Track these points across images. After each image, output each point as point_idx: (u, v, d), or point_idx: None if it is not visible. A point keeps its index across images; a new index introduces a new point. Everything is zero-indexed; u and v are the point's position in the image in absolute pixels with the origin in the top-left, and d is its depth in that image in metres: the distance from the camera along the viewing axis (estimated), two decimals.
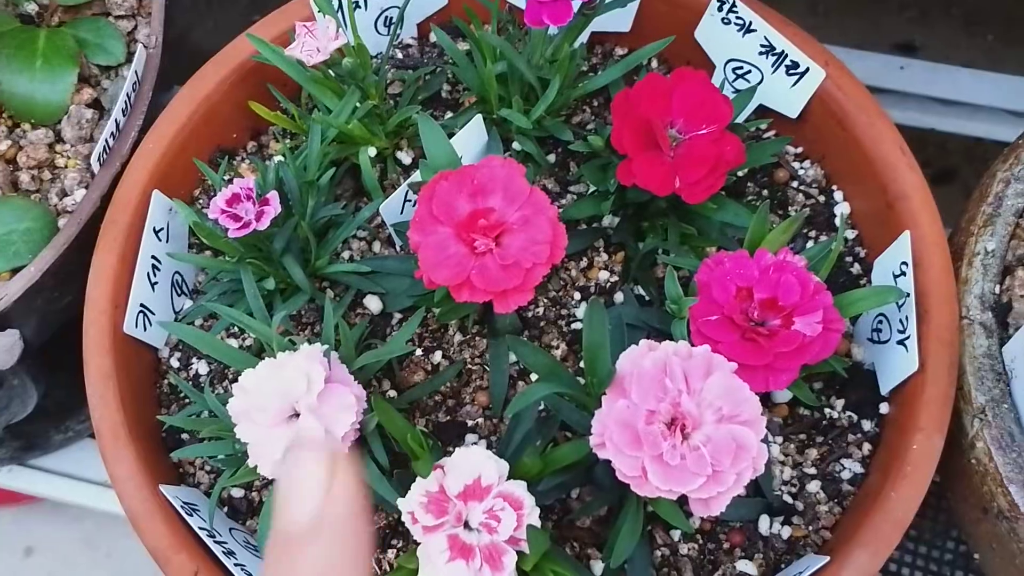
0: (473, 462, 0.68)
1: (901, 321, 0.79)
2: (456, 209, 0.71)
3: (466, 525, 0.67)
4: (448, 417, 0.83)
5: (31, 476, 1.17)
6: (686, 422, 0.65)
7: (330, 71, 0.83)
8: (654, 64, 0.98)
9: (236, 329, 0.87)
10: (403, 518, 0.67)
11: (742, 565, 0.77)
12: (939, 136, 1.32)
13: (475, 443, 0.82)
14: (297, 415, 0.71)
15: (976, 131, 1.26)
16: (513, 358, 0.85)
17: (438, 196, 0.71)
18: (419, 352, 0.85)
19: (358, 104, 0.84)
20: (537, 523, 0.67)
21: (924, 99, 1.26)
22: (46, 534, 1.60)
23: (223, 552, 0.73)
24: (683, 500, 0.67)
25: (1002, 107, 1.23)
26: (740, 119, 0.90)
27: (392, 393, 0.84)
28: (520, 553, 0.67)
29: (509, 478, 0.69)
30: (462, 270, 0.70)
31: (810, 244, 0.89)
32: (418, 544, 0.67)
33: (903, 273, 0.79)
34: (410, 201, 0.83)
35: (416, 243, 0.71)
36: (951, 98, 1.25)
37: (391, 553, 0.78)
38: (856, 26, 1.61)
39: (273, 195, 0.77)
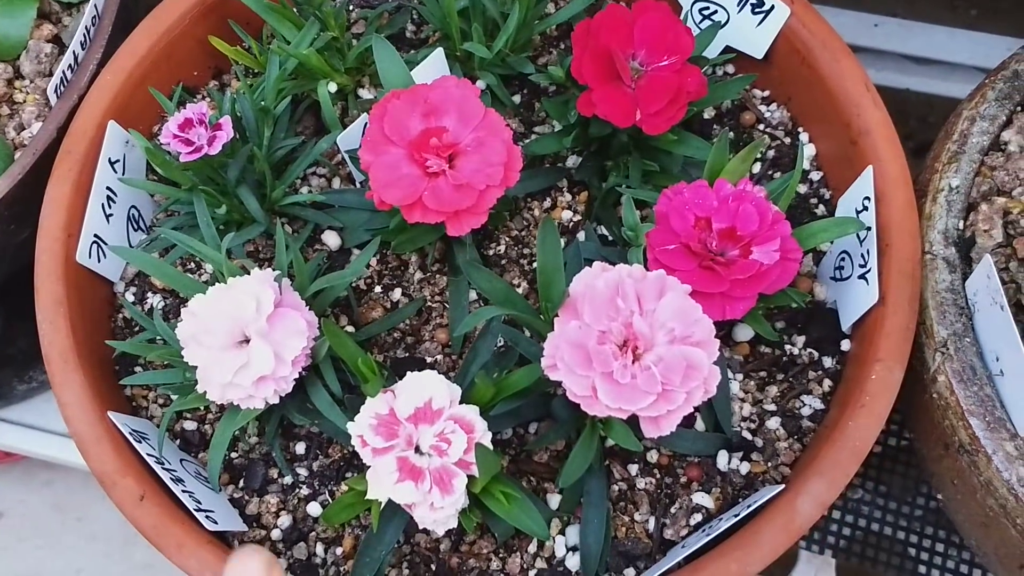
0: (424, 385, 0.67)
1: (863, 256, 0.78)
2: (408, 128, 0.70)
3: (416, 449, 0.66)
4: (407, 354, 0.82)
5: None
6: (638, 343, 0.64)
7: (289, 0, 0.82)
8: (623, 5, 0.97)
9: (192, 265, 0.86)
10: (352, 441, 0.66)
11: (699, 498, 0.76)
12: (920, 109, 1.31)
13: None
14: (247, 340, 0.70)
15: (952, 91, 1.25)
16: (473, 296, 0.84)
17: (390, 115, 0.70)
18: (378, 289, 0.84)
19: (317, 35, 0.83)
20: (489, 445, 0.66)
21: (899, 58, 1.25)
22: (16, 498, 1.58)
23: (171, 479, 0.71)
24: (636, 426, 0.67)
25: (978, 65, 1.22)
26: (707, 64, 0.90)
27: (350, 329, 0.82)
28: (471, 477, 0.66)
29: (462, 403, 0.68)
30: (414, 190, 0.69)
31: None
32: (368, 468, 0.66)
33: (865, 208, 0.79)
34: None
35: (367, 163, 0.70)
36: (927, 56, 1.24)
37: (344, 487, 0.77)
38: (837, 1, 1.61)
39: (226, 120, 0.76)
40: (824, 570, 1.02)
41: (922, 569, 1.01)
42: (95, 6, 0.90)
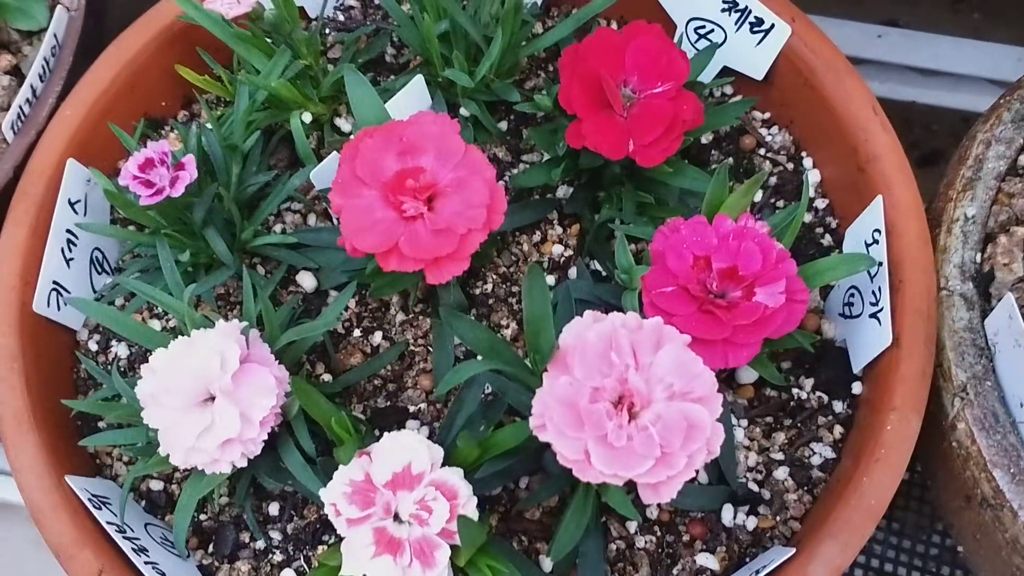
0: (403, 447, 0.62)
1: (874, 293, 0.72)
2: (383, 169, 0.64)
3: (395, 517, 0.61)
4: (388, 402, 0.77)
5: None
6: (634, 400, 0.58)
7: (256, 27, 0.77)
8: (614, 26, 0.92)
9: (160, 310, 0.81)
10: (326, 510, 0.61)
11: (703, 559, 0.70)
12: (925, 117, 1.27)
13: (416, 430, 0.76)
14: (212, 398, 0.65)
15: (958, 103, 1.20)
16: (458, 339, 0.78)
17: (363, 155, 0.64)
18: (357, 332, 0.79)
19: (290, 63, 0.78)
20: (473, 514, 0.61)
21: (904, 69, 1.20)
22: None
23: (133, 549, 0.66)
24: (634, 487, 0.61)
25: (985, 76, 1.17)
26: (705, 88, 0.85)
27: (327, 377, 0.77)
28: (455, 547, 0.61)
29: (445, 465, 0.63)
30: (390, 236, 0.64)
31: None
32: (343, 539, 0.61)
33: (876, 241, 0.73)
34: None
35: (338, 206, 0.65)
36: (932, 67, 1.18)
37: (321, 549, 0.72)
38: (839, 5, 1.56)
39: (189, 159, 0.70)
40: None
41: None
42: (55, 35, 0.85)
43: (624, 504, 0.62)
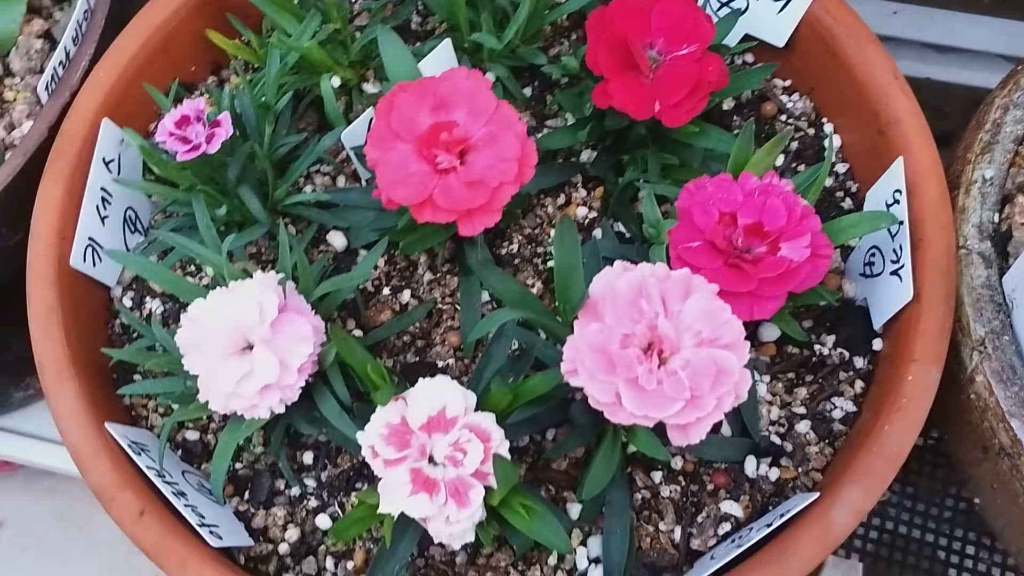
0: (437, 392, 0.63)
1: (895, 251, 0.74)
2: (417, 123, 0.66)
3: (430, 460, 0.63)
4: (417, 358, 0.79)
5: None
6: (663, 346, 0.60)
7: None
8: None
9: (193, 268, 0.82)
10: (363, 452, 0.62)
11: (727, 506, 0.72)
12: (937, 100, 1.28)
13: None
14: (251, 347, 0.67)
15: (974, 80, 1.21)
16: (486, 297, 0.80)
17: (397, 109, 0.66)
18: (386, 291, 0.81)
19: (319, 27, 0.80)
20: (506, 454, 0.62)
21: (919, 46, 1.22)
22: (17, 507, 1.55)
23: (173, 493, 0.68)
24: (662, 432, 0.63)
25: (1001, 53, 1.18)
26: (728, 52, 0.86)
27: (358, 333, 0.79)
28: (488, 488, 0.63)
29: (477, 412, 0.65)
30: (424, 188, 0.66)
31: None
32: (379, 480, 0.63)
33: (896, 201, 0.75)
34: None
35: (374, 160, 0.66)
36: (947, 44, 1.20)
37: (354, 496, 0.74)
38: None
39: (224, 116, 0.72)
40: (851, 574, 0.99)
41: (952, 573, 0.97)
42: (87, 0, 0.86)
43: (653, 446, 0.63)
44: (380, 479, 0.62)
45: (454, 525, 0.62)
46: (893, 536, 1.01)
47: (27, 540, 1.54)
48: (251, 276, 0.68)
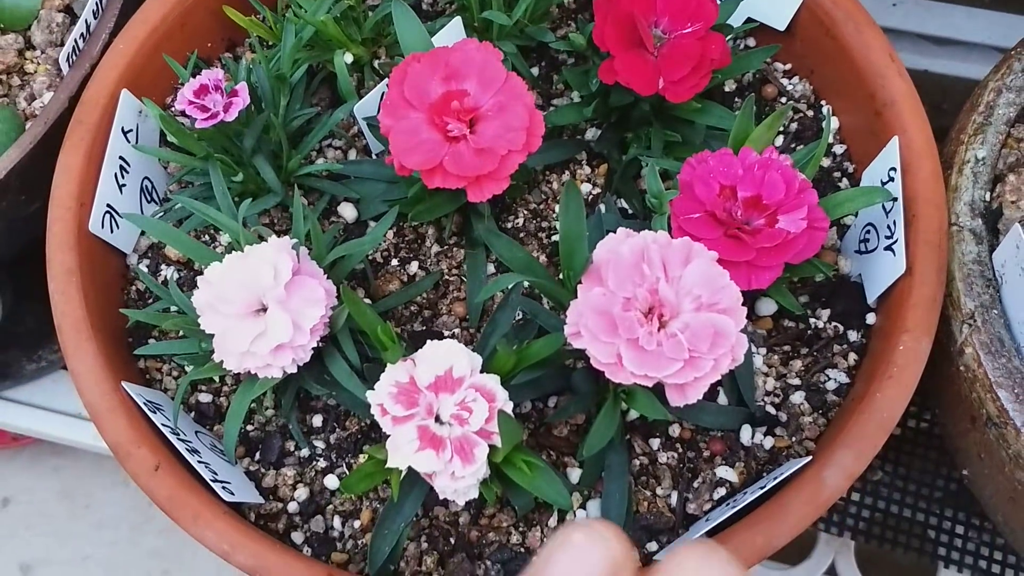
0: (445, 353, 0.65)
1: (889, 227, 0.76)
2: (429, 92, 0.68)
3: (437, 418, 0.65)
4: (424, 327, 0.81)
5: (2, 407, 1.14)
6: (664, 310, 0.62)
7: None
8: None
9: (207, 238, 0.85)
10: (372, 411, 0.64)
11: (722, 471, 0.74)
12: (934, 96, 1.30)
13: None
14: (265, 308, 0.69)
15: (971, 72, 1.23)
16: (491, 269, 0.83)
17: (410, 79, 0.68)
18: (395, 262, 0.83)
19: (334, 3, 0.82)
20: (510, 414, 0.65)
21: (918, 38, 1.24)
22: (23, 484, 1.57)
23: (187, 449, 0.70)
24: (661, 395, 0.65)
25: (997, 45, 1.21)
26: (731, 32, 0.88)
27: (367, 301, 0.81)
28: (492, 447, 0.65)
29: (482, 374, 0.67)
30: (435, 155, 0.68)
31: None
32: (388, 438, 0.65)
33: (891, 179, 0.77)
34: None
35: (387, 127, 0.69)
36: (945, 36, 1.22)
37: (362, 457, 0.76)
38: None
39: (242, 86, 0.74)
40: (843, 552, 1.01)
41: (941, 551, 1.00)
42: None
43: (651, 406, 0.66)
44: (388, 436, 0.65)
45: (459, 481, 0.65)
46: (885, 515, 1.03)
47: (33, 517, 1.57)
48: (265, 241, 0.70)
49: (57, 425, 1.15)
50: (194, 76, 0.75)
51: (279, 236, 0.80)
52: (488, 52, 0.69)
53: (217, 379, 0.79)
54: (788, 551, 1.04)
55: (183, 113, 0.75)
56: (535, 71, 0.91)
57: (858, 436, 0.69)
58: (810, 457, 0.69)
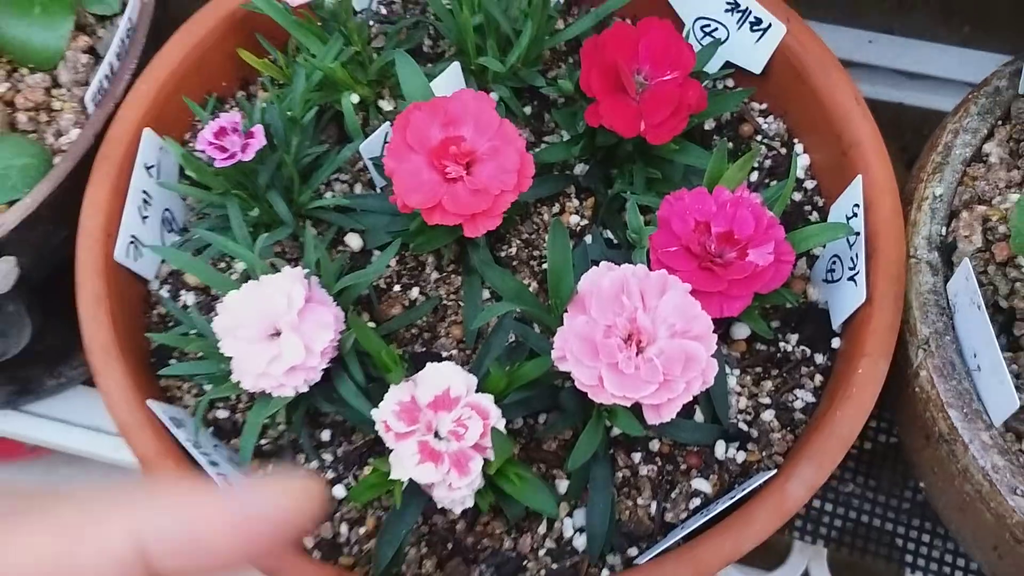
0: (443, 375, 0.72)
1: (852, 259, 0.83)
2: (429, 138, 0.75)
3: (435, 434, 0.71)
4: (424, 348, 0.88)
5: (24, 421, 1.20)
6: (641, 337, 0.69)
7: (314, 14, 0.88)
8: (628, 22, 1.02)
9: (223, 265, 0.91)
10: (377, 427, 0.71)
11: (697, 483, 0.81)
12: (916, 123, 1.37)
13: None
14: (279, 333, 0.75)
15: (943, 105, 1.30)
16: (486, 295, 0.89)
17: (412, 125, 0.75)
18: (397, 288, 0.90)
19: (342, 49, 0.89)
20: (503, 430, 0.71)
21: (893, 73, 1.31)
22: None
23: (208, 462, 0.77)
24: (639, 414, 0.72)
25: (967, 80, 1.28)
26: (708, 78, 0.95)
27: (371, 324, 0.88)
28: (486, 460, 0.71)
29: (477, 393, 0.73)
30: (434, 194, 0.74)
31: None
32: (391, 451, 0.72)
33: (855, 215, 0.84)
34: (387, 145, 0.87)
35: (391, 169, 0.75)
36: (919, 71, 1.29)
37: (367, 469, 0.83)
38: (838, 14, 1.66)
39: (258, 128, 0.81)
40: (816, 559, 1.08)
41: (908, 558, 1.06)
42: (130, 19, 0.96)
43: (630, 423, 0.72)
44: (392, 450, 0.71)
45: (455, 491, 0.71)
46: (856, 525, 1.09)
47: None
48: (279, 271, 0.77)
49: (74, 438, 1.21)
50: (213, 117, 0.82)
51: (290, 264, 0.87)
52: (483, 101, 0.76)
53: (233, 397, 0.85)
54: (765, 557, 1.11)
55: (201, 150, 0.82)
56: (527, 110, 0.97)
57: (819, 451, 0.75)
58: (776, 470, 0.76)
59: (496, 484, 0.74)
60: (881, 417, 1.12)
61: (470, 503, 0.72)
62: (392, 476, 0.70)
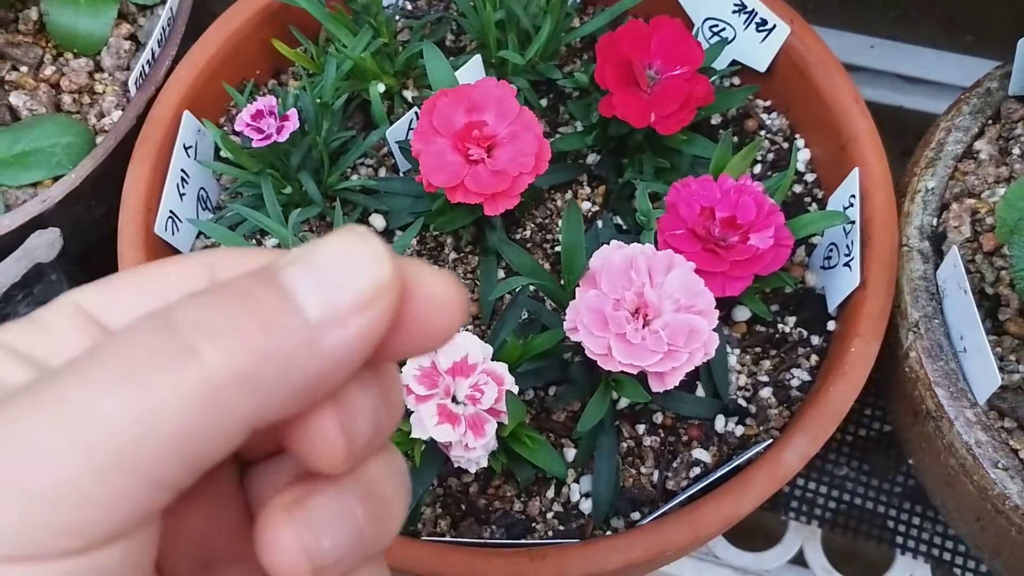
0: (461, 343, 0.77)
1: (847, 246, 0.88)
2: (454, 122, 0.80)
3: (454, 399, 0.77)
4: None
5: None
6: (648, 310, 0.74)
7: (347, 7, 0.93)
8: (641, 21, 1.07)
9: (254, 241, 0.96)
10: None
11: (698, 453, 0.86)
12: (918, 127, 1.42)
13: None
14: None
15: (941, 108, 1.35)
16: (501, 275, 0.94)
17: (438, 110, 0.80)
18: None
19: (371, 40, 0.94)
20: (516, 393, 0.76)
21: (894, 77, 1.36)
22: None
23: None
24: (644, 383, 0.77)
25: (964, 85, 1.32)
26: (715, 74, 1.01)
27: None
28: (500, 424, 0.77)
29: (493, 361, 0.79)
30: (457, 175, 0.80)
31: None
32: (411, 413, 0.77)
33: (851, 205, 0.89)
34: (413, 129, 0.92)
35: (418, 151, 0.81)
36: (918, 76, 1.34)
37: None
38: (843, 20, 1.72)
39: (293, 112, 0.86)
40: (810, 538, 1.12)
41: (899, 539, 1.11)
42: (171, 9, 1.01)
43: (636, 391, 0.77)
44: (412, 412, 0.76)
45: (471, 452, 0.76)
46: (849, 507, 1.14)
47: None
48: None
49: None
50: (250, 102, 0.88)
51: None
52: (505, 89, 0.81)
53: None
54: (761, 537, 1.16)
55: (235, 132, 0.87)
56: (544, 102, 1.03)
57: (813, 423, 0.80)
58: (771, 440, 0.81)
59: (509, 448, 0.79)
60: (876, 405, 1.17)
61: (484, 463, 0.77)
62: (413, 435, 0.75)
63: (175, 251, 0.95)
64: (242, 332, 0.25)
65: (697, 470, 0.86)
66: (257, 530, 0.29)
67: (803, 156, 1.00)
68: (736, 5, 0.98)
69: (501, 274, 0.94)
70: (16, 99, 0.99)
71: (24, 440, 0.24)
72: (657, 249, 0.82)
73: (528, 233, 0.96)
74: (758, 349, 0.92)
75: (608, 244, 0.78)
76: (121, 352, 0.25)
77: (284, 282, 0.27)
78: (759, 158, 1.00)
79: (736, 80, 1.05)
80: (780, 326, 0.92)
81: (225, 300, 0.26)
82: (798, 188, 0.99)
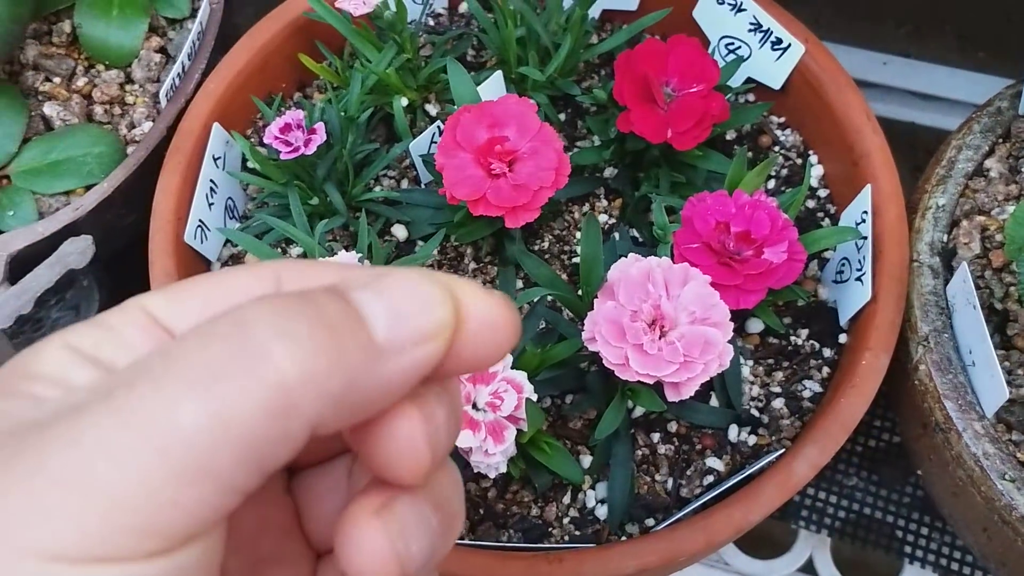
0: None
1: (859, 261, 0.90)
2: (476, 137, 0.83)
3: (474, 406, 0.79)
4: None
5: None
6: (664, 322, 0.76)
7: (372, 24, 0.96)
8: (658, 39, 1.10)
9: (279, 250, 0.99)
10: None
11: (711, 462, 0.88)
12: (929, 144, 1.44)
13: None
14: None
15: (953, 125, 1.37)
16: (520, 285, 0.97)
17: (461, 126, 0.83)
18: None
19: (395, 56, 0.97)
20: (534, 400, 0.79)
21: (906, 94, 1.38)
22: None
23: None
24: (660, 393, 0.79)
25: (976, 102, 1.34)
26: (731, 91, 1.03)
27: None
28: (519, 431, 0.79)
29: (512, 370, 0.81)
30: (479, 188, 0.82)
31: None
32: None
33: (863, 220, 0.91)
34: (436, 143, 0.95)
35: (441, 164, 0.83)
36: (930, 93, 1.36)
37: None
38: (856, 37, 1.74)
39: (320, 126, 0.89)
40: (820, 547, 1.14)
41: (907, 549, 1.12)
42: (200, 23, 1.04)
43: (651, 400, 0.79)
44: None
45: (491, 457, 0.78)
46: (858, 516, 1.16)
47: None
48: (335, 255, 0.85)
49: None
50: (278, 114, 0.90)
51: (344, 249, 0.95)
52: (526, 106, 0.83)
53: None
54: (771, 546, 1.18)
55: (262, 143, 0.90)
56: (562, 116, 1.05)
57: (823, 434, 0.82)
58: (783, 450, 0.83)
59: (528, 454, 0.81)
60: (885, 417, 1.19)
61: (503, 469, 0.80)
62: None
63: (203, 259, 0.97)
64: (314, 338, 0.27)
65: (710, 478, 0.88)
66: (342, 531, 0.30)
67: (816, 172, 1.02)
68: (752, 24, 1.00)
69: (520, 284, 0.97)
70: (49, 109, 1.02)
71: (102, 445, 0.25)
72: (673, 262, 0.84)
73: (546, 244, 0.98)
74: (771, 361, 0.94)
75: (625, 256, 0.80)
76: (195, 354, 0.26)
77: (356, 302, 0.29)
78: (773, 173, 1.02)
79: (751, 97, 1.07)
80: (792, 338, 0.94)
81: (298, 306, 0.27)
82: (811, 203, 1.01)
